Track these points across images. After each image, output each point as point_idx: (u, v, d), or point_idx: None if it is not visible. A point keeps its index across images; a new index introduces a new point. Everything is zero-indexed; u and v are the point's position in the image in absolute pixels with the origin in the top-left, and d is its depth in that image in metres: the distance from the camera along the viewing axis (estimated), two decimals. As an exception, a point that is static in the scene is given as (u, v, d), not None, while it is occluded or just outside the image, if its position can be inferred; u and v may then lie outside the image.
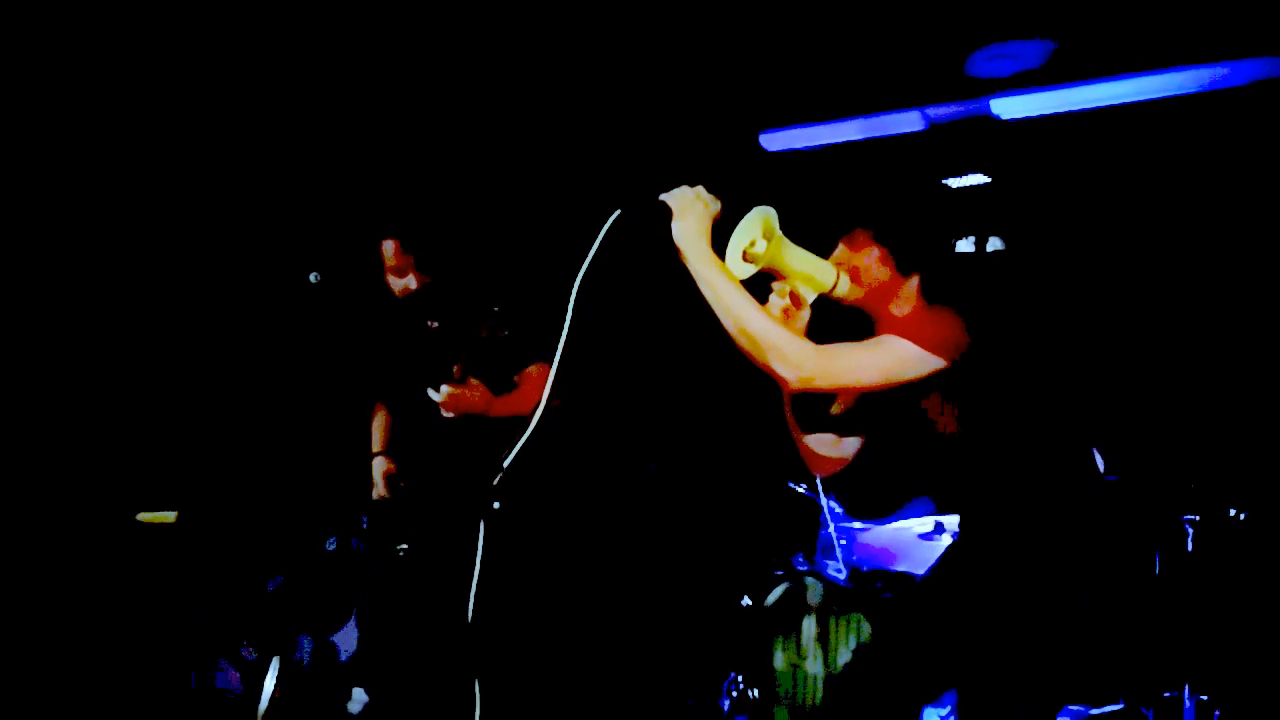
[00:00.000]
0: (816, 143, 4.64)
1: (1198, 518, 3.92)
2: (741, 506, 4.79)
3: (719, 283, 2.11)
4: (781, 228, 2.21)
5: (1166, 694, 3.91)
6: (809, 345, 2.14)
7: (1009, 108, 4.29)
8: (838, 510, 4.24)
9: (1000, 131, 4.36)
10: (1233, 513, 3.92)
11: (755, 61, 4.21)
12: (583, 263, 2.03)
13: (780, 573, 4.01)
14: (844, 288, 2.33)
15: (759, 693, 3.89)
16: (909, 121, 4.40)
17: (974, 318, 2.21)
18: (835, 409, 2.56)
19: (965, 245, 4.61)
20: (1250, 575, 4.10)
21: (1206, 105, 3.93)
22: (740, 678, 3.96)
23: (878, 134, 4.48)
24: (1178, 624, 3.96)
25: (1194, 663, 3.84)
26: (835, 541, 4.17)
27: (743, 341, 2.11)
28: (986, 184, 4.56)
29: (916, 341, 2.15)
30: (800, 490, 4.27)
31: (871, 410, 2.51)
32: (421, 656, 3.21)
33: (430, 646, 3.15)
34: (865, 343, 2.23)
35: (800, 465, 2.63)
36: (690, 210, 2.12)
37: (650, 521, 4.72)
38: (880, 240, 2.35)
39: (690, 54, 4.14)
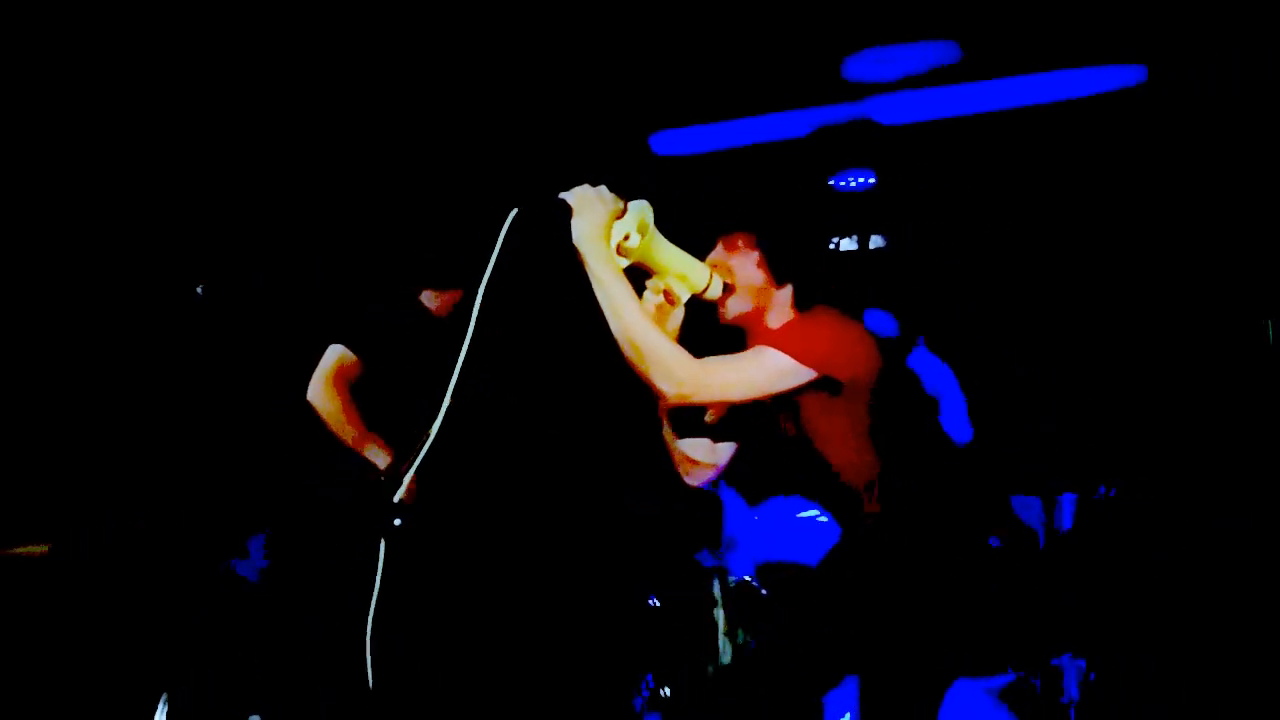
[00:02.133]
0: (705, 146, 4.71)
1: (1075, 495, 4.14)
2: (644, 506, 4.82)
3: (613, 286, 2.09)
4: (668, 231, 2.22)
5: (1053, 662, 4.10)
6: (690, 361, 2.13)
7: (892, 111, 4.43)
8: (740, 504, 4.31)
9: (883, 135, 4.49)
10: (1103, 490, 4.16)
11: (645, 65, 4.23)
12: (485, 264, 2.01)
13: (687, 570, 4.05)
14: (717, 290, 2.33)
15: (670, 692, 3.93)
16: (795, 124, 4.50)
17: (847, 329, 2.27)
18: (709, 417, 2.57)
19: (849, 244, 4.74)
20: (1123, 547, 4.35)
21: (1080, 110, 4.14)
22: (651, 677, 3.99)
23: (765, 137, 4.57)
24: (1060, 595, 4.16)
25: (1075, 631, 4.05)
26: (737, 534, 4.23)
27: (628, 350, 2.10)
28: (870, 185, 4.70)
29: (790, 353, 2.17)
30: (702, 486, 4.31)
31: (744, 417, 2.51)
32: (321, 675, 3.17)
33: (328, 665, 3.11)
34: (740, 356, 2.24)
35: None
36: (589, 209, 2.09)
37: (555, 523, 4.70)
38: (759, 246, 2.35)
39: (582, 57, 4.14)
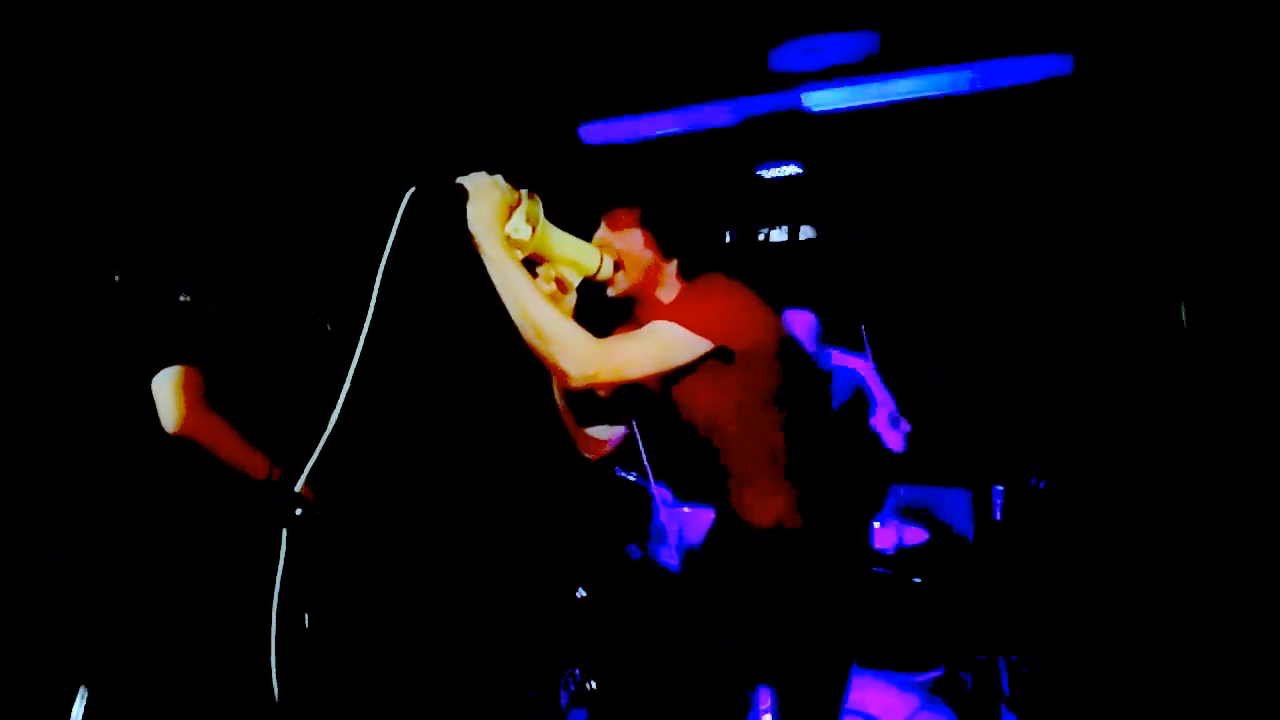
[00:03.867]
0: (633, 136, 4.69)
1: (1003, 487, 4.14)
2: (571, 498, 4.75)
3: (509, 271, 2.08)
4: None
5: (981, 657, 4.08)
6: (593, 342, 2.13)
7: (819, 100, 4.44)
8: (668, 496, 4.26)
9: (810, 124, 4.50)
10: (1033, 481, 4.16)
11: (573, 55, 4.20)
12: (383, 246, 1.96)
13: (614, 562, 3.99)
14: (608, 270, 2.34)
15: (597, 685, 3.85)
16: (723, 114, 4.50)
17: (740, 300, 2.27)
18: (602, 392, 2.54)
19: (779, 234, 4.74)
20: (1052, 540, 4.35)
21: (1006, 100, 4.18)
22: (578, 671, 3.91)
23: (693, 126, 4.56)
24: (990, 589, 4.15)
25: (1006, 626, 4.04)
26: (667, 527, 4.18)
27: (528, 334, 2.09)
28: (797, 174, 4.71)
29: (685, 325, 2.18)
30: (630, 478, 4.27)
31: (635, 393, 2.51)
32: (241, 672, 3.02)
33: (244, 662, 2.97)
34: (637, 333, 2.23)
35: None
36: (486, 195, 2.07)
37: (479, 516, 4.62)
38: (641, 222, 2.37)
39: (512, 47, 4.09)
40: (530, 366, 2.17)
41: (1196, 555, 4.18)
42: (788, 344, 2.35)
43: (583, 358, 2.09)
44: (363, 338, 1.99)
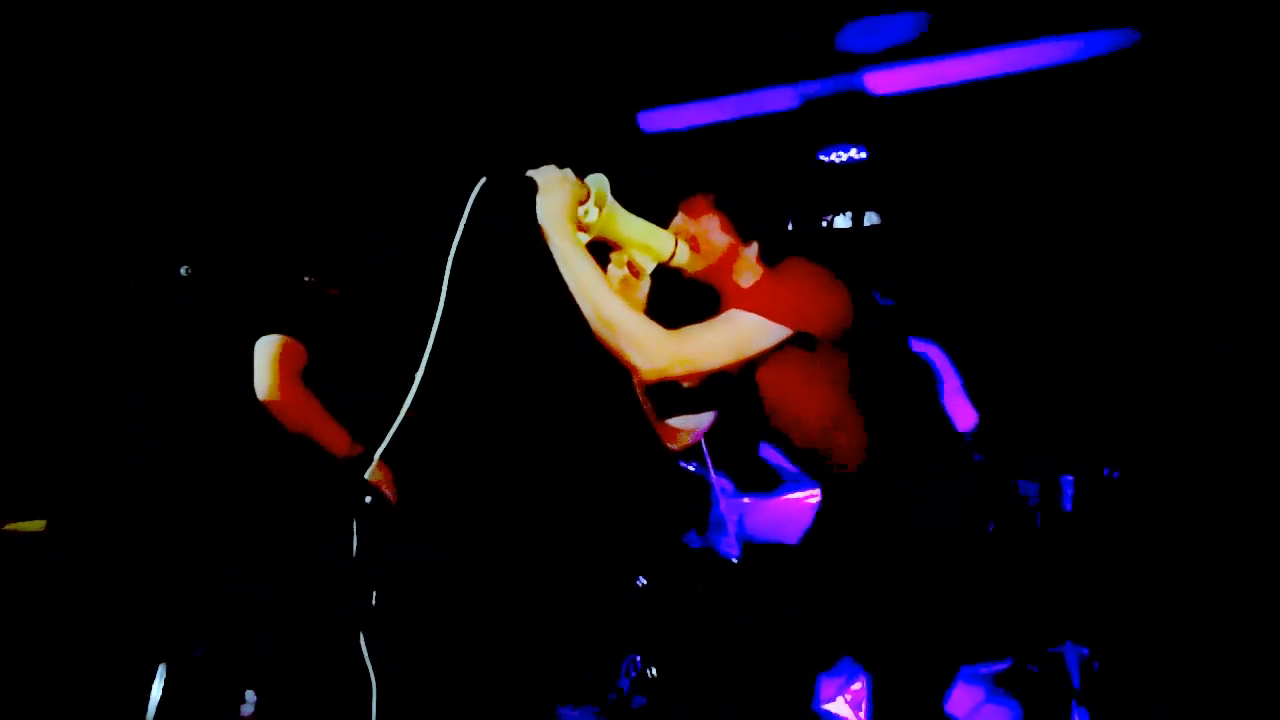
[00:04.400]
0: (693, 122, 4.66)
1: (1074, 477, 4.05)
2: (631, 487, 4.77)
3: (579, 265, 2.08)
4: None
5: (1051, 649, 4.01)
6: (663, 334, 2.11)
7: (881, 83, 4.35)
8: (728, 486, 4.25)
9: (873, 106, 4.42)
10: (1106, 471, 4.06)
11: (632, 43, 4.19)
12: (453, 236, 1.99)
13: (675, 552, 4.01)
14: (683, 256, 2.31)
15: (657, 672, 3.87)
16: (784, 98, 4.45)
17: (820, 283, 2.22)
18: (687, 382, 2.53)
19: (843, 221, 4.68)
20: (1124, 531, 4.25)
21: (1072, 76, 4.05)
22: (639, 658, 3.94)
23: (753, 111, 4.51)
24: (1059, 581, 4.07)
25: (1075, 617, 3.96)
26: (727, 517, 4.17)
27: (599, 328, 2.09)
28: (861, 159, 4.64)
29: (761, 312, 2.15)
30: (690, 468, 4.26)
31: (722, 382, 2.48)
32: (315, 653, 3.08)
33: (322, 643, 3.03)
34: (712, 322, 2.21)
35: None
36: (556, 188, 2.09)
37: (540, 506, 4.66)
38: (719, 206, 2.34)
39: (571, 35, 4.09)
40: (599, 359, 2.18)
41: (1275, 550, 4.05)
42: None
43: (652, 351, 2.09)
44: (435, 327, 2.02)
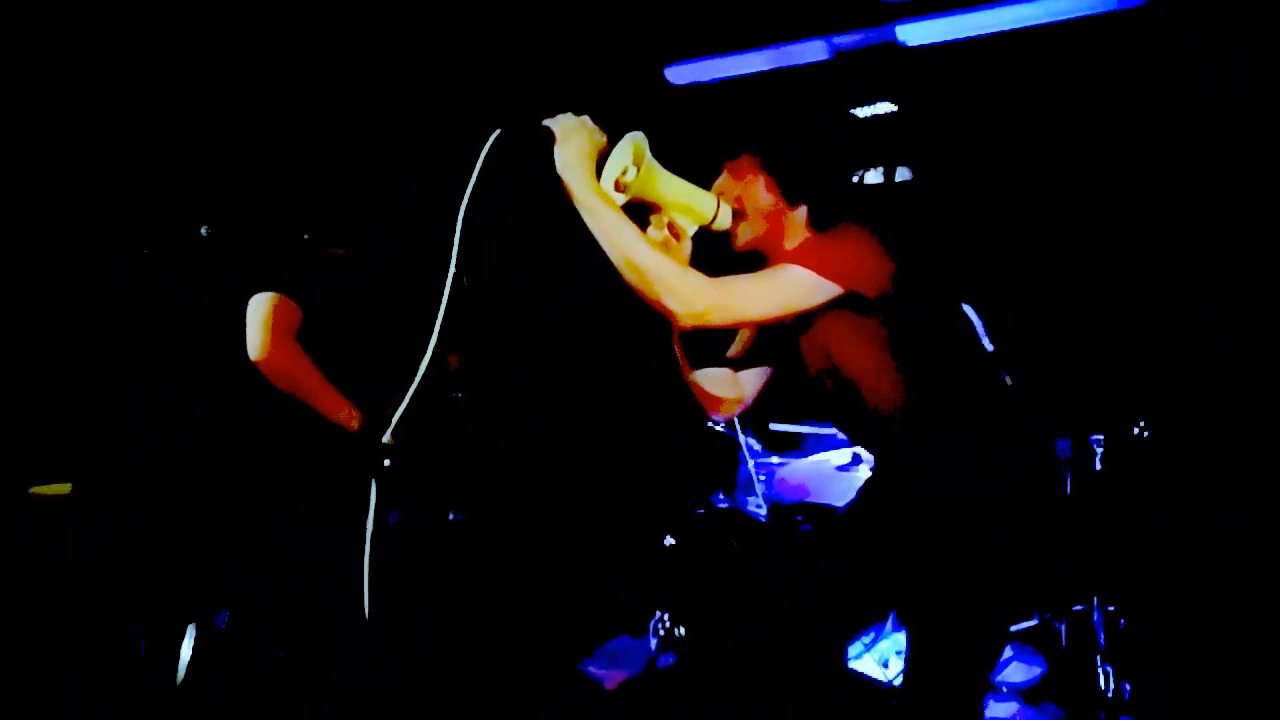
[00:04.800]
0: (722, 74, 4.57)
1: (1104, 436, 4.02)
2: (660, 445, 4.78)
3: (604, 213, 2.01)
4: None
5: (1077, 607, 4.02)
6: (701, 278, 2.05)
7: (915, 34, 4.24)
8: (756, 447, 4.26)
9: (906, 58, 4.31)
10: (1137, 430, 4.02)
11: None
12: (464, 189, 1.94)
13: (701, 511, 4.02)
14: (725, 219, 2.24)
15: (685, 630, 3.92)
16: (814, 51, 4.35)
17: (871, 243, 2.14)
18: (734, 350, 2.49)
19: (874, 176, 4.60)
20: (1152, 490, 4.23)
21: (1109, 25, 3.93)
22: (666, 616, 3.98)
23: (783, 64, 4.42)
24: (1086, 540, 4.07)
25: (1101, 577, 3.96)
26: (755, 477, 4.18)
27: (629, 275, 2.02)
28: (893, 112, 4.54)
29: (811, 267, 2.07)
30: (719, 428, 4.27)
31: (770, 346, 2.42)
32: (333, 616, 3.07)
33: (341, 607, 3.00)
34: (758, 274, 2.14)
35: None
36: (574, 137, 2.02)
37: (569, 463, 4.68)
38: (766, 168, 2.26)
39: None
40: (629, 315, 2.13)
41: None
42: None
43: (690, 295, 2.01)
44: (447, 287, 1.98)
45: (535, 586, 4.26)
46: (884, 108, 4.55)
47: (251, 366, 2.81)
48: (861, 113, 4.59)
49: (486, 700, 3.61)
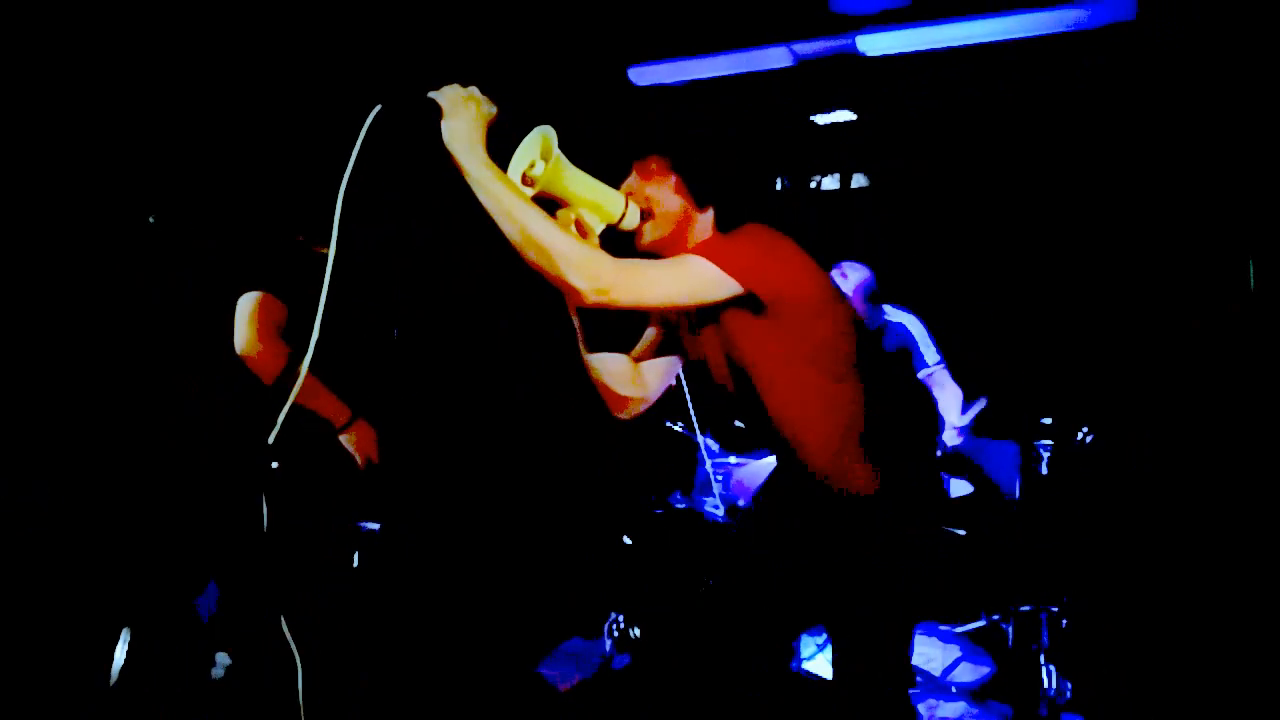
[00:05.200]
0: (685, 78, 4.59)
1: (1051, 443, 4.11)
2: (617, 445, 4.77)
3: (497, 188, 1.91)
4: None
5: (1025, 609, 4.11)
6: (604, 255, 1.98)
7: (875, 44, 4.31)
8: (714, 447, 4.27)
9: (866, 68, 4.38)
10: (1080, 436, 4.13)
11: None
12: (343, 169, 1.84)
13: (660, 511, 4.03)
14: (633, 219, 2.19)
15: (640, 632, 3.92)
16: (777, 57, 4.39)
17: (775, 247, 2.14)
18: (638, 351, 2.46)
19: (830, 182, 4.65)
20: (1096, 494, 4.34)
21: (1064, 45, 4.04)
22: (621, 618, 3.97)
23: (746, 69, 4.45)
24: (1033, 543, 4.16)
25: (1048, 578, 4.05)
26: (713, 477, 4.20)
27: (529, 252, 1.93)
28: (851, 120, 4.60)
29: (715, 262, 2.04)
30: (676, 428, 4.28)
31: (675, 346, 2.40)
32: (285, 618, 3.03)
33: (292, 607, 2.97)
34: (663, 260, 2.11)
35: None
36: (462, 110, 1.93)
37: (524, 465, 4.65)
38: (676, 168, 2.22)
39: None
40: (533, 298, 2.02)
41: (1241, 511, 4.16)
42: (840, 305, 2.23)
43: (594, 271, 1.94)
44: (328, 270, 1.89)
45: (488, 588, 4.23)
46: (843, 115, 4.61)
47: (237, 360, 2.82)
48: (821, 119, 4.65)
49: (441, 702, 3.58)
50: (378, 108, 1.86)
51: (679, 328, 2.39)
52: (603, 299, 1.97)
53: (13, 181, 3.83)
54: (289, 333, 2.87)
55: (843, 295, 2.31)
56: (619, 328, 2.36)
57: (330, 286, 1.92)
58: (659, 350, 2.45)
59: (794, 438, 2.23)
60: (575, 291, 1.96)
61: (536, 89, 4.49)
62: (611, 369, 2.38)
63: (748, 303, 2.09)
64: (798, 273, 2.14)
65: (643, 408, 2.44)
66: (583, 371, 2.39)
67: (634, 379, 2.42)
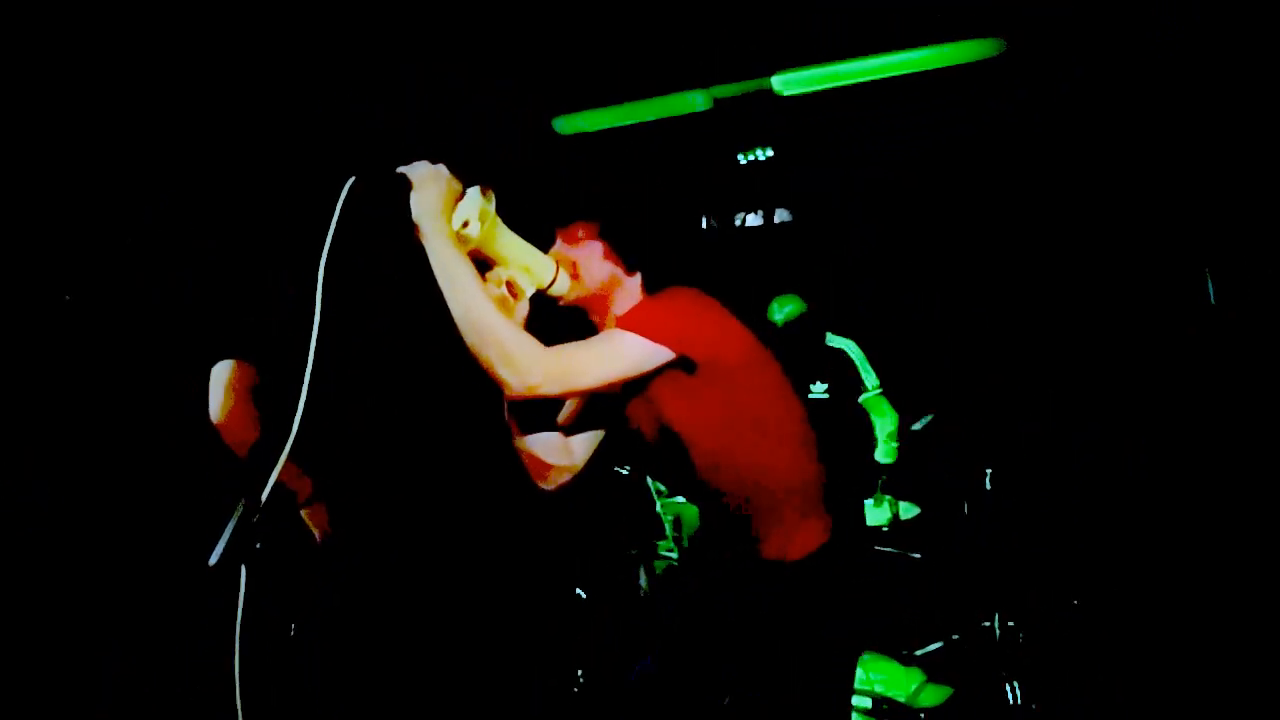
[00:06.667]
0: (607, 125, 4.61)
1: (992, 469, 4.16)
2: (568, 494, 4.71)
3: (455, 267, 1.92)
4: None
5: (984, 624, 4.12)
6: (536, 348, 1.97)
7: (789, 83, 4.40)
8: (662, 490, 4.25)
9: (782, 106, 4.45)
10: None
11: (546, 48, 4.12)
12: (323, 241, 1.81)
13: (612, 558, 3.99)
14: (563, 285, 2.20)
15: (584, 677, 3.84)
16: (695, 101, 4.45)
17: (703, 306, 2.15)
18: (562, 418, 2.41)
19: (754, 219, 4.71)
20: (1044, 511, 4.40)
21: (968, 77, 4.18)
22: (582, 674, 3.89)
23: (665, 114, 4.49)
24: (984, 562, 4.19)
25: (1001, 595, 4.08)
26: (664, 519, 4.17)
27: (468, 335, 1.94)
28: (770, 158, 4.67)
29: (642, 333, 2.05)
30: (624, 473, 4.24)
31: (600, 411, 2.36)
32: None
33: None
34: (588, 340, 2.10)
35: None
36: (431, 185, 1.94)
37: (479, 515, 4.56)
38: (602, 234, 2.24)
39: (487, 41, 3.99)
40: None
41: (1187, 523, 4.25)
42: (773, 366, 2.23)
43: (524, 365, 1.93)
44: (314, 338, 1.82)
45: (446, 632, 4.12)
46: (761, 153, 4.67)
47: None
48: (741, 158, 4.70)
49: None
50: (351, 180, 1.86)
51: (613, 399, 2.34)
52: (529, 392, 1.97)
53: (12, 181, 3.75)
54: (260, 395, 2.84)
55: (773, 357, 2.28)
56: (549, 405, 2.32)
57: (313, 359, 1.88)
58: (583, 415, 2.40)
59: (727, 496, 2.22)
60: (503, 382, 1.96)
61: (466, 144, 4.52)
62: (542, 443, 2.35)
63: (681, 365, 2.08)
64: (728, 334, 2.14)
65: (567, 477, 2.38)
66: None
67: (562, 448, 2.38)
